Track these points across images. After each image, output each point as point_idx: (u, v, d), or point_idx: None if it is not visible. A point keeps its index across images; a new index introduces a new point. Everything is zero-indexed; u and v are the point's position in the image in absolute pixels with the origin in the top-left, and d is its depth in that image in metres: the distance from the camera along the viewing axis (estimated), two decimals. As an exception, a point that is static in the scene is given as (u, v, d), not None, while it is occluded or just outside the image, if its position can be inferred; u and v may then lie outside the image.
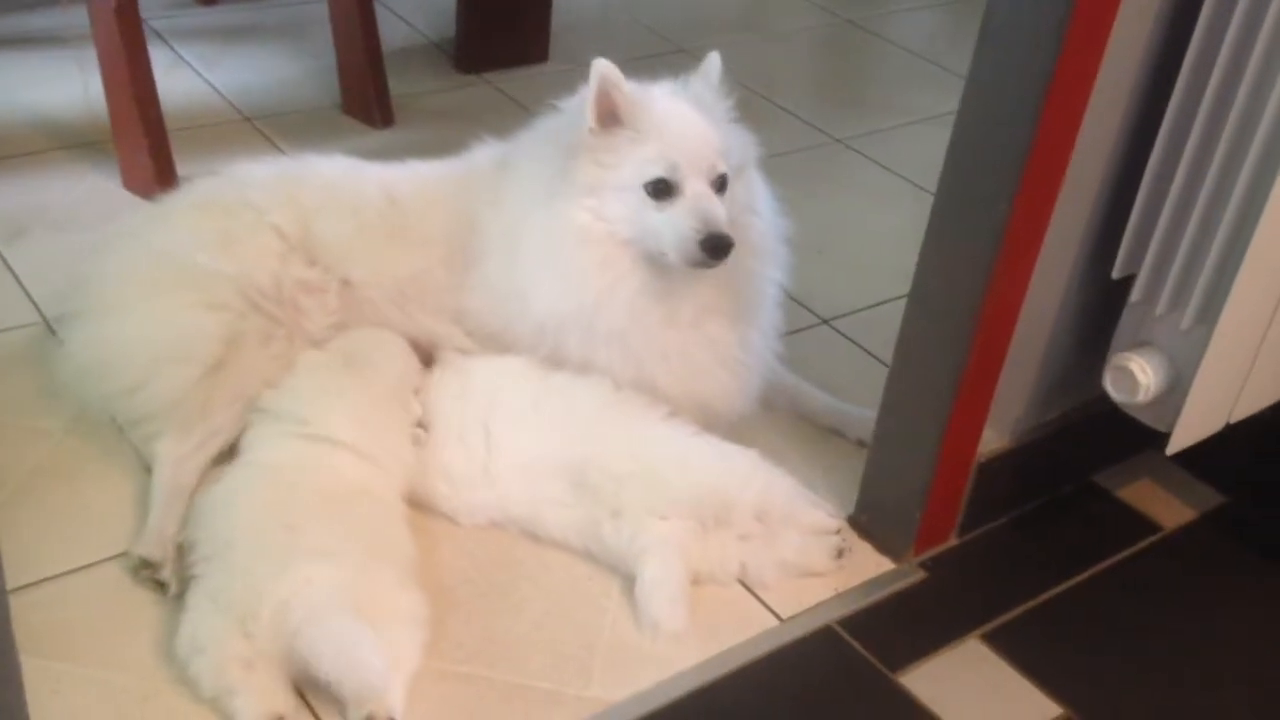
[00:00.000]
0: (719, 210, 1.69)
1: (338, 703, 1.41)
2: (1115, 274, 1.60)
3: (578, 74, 1.74)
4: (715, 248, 1.67)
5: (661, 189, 1.70)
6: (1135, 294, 1.59)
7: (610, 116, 1.70)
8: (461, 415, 1.72)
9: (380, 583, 1.46)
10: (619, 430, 1.70)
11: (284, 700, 1.38)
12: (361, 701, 1.36)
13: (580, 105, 1.74)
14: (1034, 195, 1.47)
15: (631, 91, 1.71)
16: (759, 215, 1.85)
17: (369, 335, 1.79)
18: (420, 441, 1.71)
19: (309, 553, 1.43)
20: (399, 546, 1.56)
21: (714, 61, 1.82)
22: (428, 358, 1.83)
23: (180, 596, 1.53)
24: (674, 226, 1.69)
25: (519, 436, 1.70)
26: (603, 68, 1.67)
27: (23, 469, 1.73)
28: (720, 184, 1.74)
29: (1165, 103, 1.49)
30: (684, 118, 1.73)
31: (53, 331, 1.98)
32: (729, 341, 1.83)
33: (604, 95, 1.68)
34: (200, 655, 1.39)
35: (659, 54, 3.19)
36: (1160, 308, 1.57)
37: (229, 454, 1.69)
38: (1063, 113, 1.43)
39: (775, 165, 1.96)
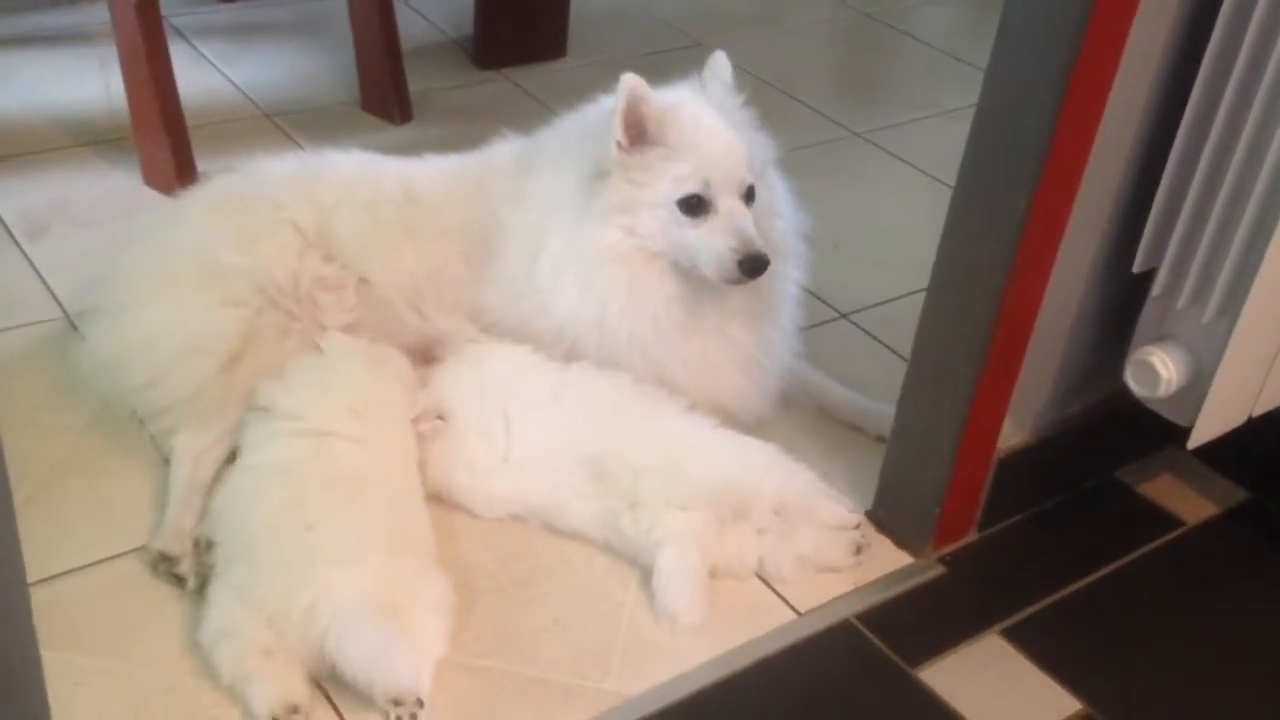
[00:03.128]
0: (753, 227, 1.69)
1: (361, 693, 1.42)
2: (1136, 268, 1.59)
3: (596, 69, 1.74)
4: (754, 267, 1.67)
5: (694, 205, 1.69)
6: (1157, 288, 1.58)
7: (639, 131, 1.69)
8: (481, 406, 1.73)
9: (404, 572, 1.48)
10: (638, 422, 1.70)
11: (299, 690, 1.39)
12: (391, 700, 1.38)
13: (603, 113, 1.73)
14: (1054, 189, 1.46)
15: (659, 104, 1.69)
16: (781, 216, 1.85)
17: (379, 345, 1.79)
18: (438, 432, 1.71)
19: (330, 557, 1.44)
20: (418, 532, 1.57)
21: (722, 61, 1.82)
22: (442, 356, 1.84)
23: (199, 590, 1.54)
24: (710, 245, 1.68)
25: (539, 427, 1.71)
26: (630, 82, 1.66)
27: (44, 463, 1.74)
28: (749, 195, 1.73)
29: (1187, 94, 1.48)
30: (713, 131, 1.72)
31: (74, 327, 1.99)
32: (749, 343, 1.83)
33: (632, 110, 1.67)
34: (225, 640, 1.41)
35: (676, 48, 3.18)
36: (1182, 301, 1.56)
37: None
38: (1083, 106, 1.42)
39: (793, 159, 1.95)
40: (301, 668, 1.40)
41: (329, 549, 1.45)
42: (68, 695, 1.41)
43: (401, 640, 1.39)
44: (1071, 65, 1.37)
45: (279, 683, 1.37)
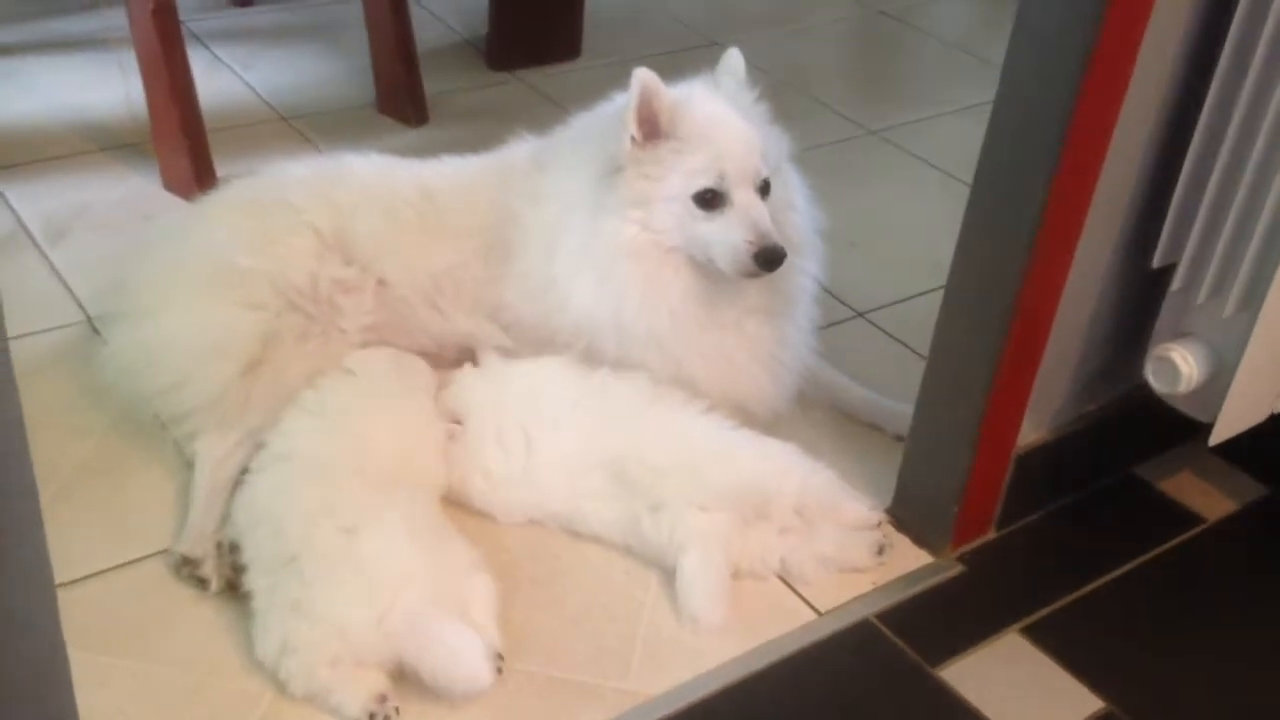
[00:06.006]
0: (769, 220, 1.69)
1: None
2: (1155, 263, 1.59)
3: (610, 70, 1.74)
4: (769, 260, 1.67)
5: (709, 199, 1.69)
6: (1176, 283, 1.58)
7: (652, 126, 1.69)
8: (499, 417, 1.73)
9: (445, 552, 1.51)
10: (658, 424, 1.70)
11: (378, 680, 1.41)
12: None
13: (617, 110, 1.74)
14: (1071, 185, 1.46)
15: (672, 99, 1.70)
16: (797, 211, 1.85)
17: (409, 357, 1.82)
18: (455, 436, 1.72)
19: (381, 562, 1.45)
20: (448, 528, 1.59)
21: (735, 57, 1.82)
22: (461, 360, 1.84)
23: (222, 592, 1.56)
24: (725, 238, 1.68)
25: (558, 433, 1.71)
26: (643, 76, 1.66)
27: (68, 467, 1.76)
28: (764, 189, 1.73)
29: (1205, 89, 1.47)
30: (727, 124, 1.72)
31: (96, 331, 2.00)
32: (767, 339, 1.83)
33: (645, 105, 1.67)
34: (290, 656, 1.42)
35: (690, 48, 3.18)
36: (1201, 297, 1.55)
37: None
38: (1100, 101, 1.41)
39: (809, 158, 1.95)
40: (371, 664, 1.42)
41: (376, 554, 1.46)
42: (92, 695, 1.41)
43: (472, 638, 1.43)
44: (1088, 59, 1.36)
45: (358, 684, 1.40)
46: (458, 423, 1.73)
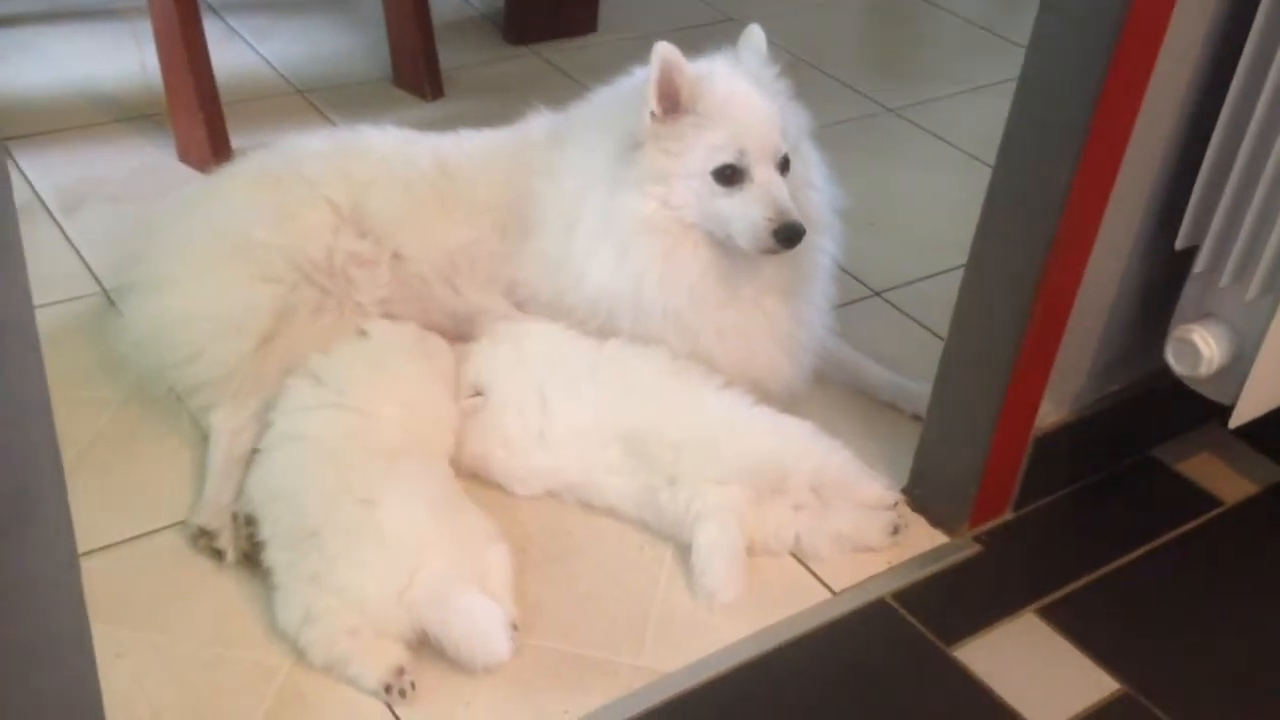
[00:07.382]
0: (788, 196, 1.68)
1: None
2: (1179, 245, 1.58)
3: (626, 45, 1.73)
4: (788, 237, 1.66)
5: (729, 175, 1.68)
6: (1199, 265, 1.56)
7: (672, 101, 1.68)
8: (517, 383, 1.73)
9: (463, 523, 1.52)
10: (676, 399, 1.69)
11: (397, 653, 1.42)
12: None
13: (637, 84, 1.72)
14: (1096, 164, 1.45)
15: (693, 73, 1.68)
16: (815, 189, 1.84)
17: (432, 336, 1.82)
18: (476, 408, 1.71)
19: (400, 534, 1.45)
20: (462, 499, 1.60)
21: (757, 33, 1.81)
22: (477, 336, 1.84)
23: (238, 563, 1.56)
24: (745, 214, 1.68)
25: (575, 404, 1.70)
26: (664, 50, 1.65)
27: (83, 438, 1.76)
28: (784, 165, 1.72)
29: (1232, 69, 1.45)
30: (748, 100, 1.71)
31: (111, 302, 2.00)
32: (784, 317, 1.82)
33: (666, 79, 1.66)
34: (310, 626, 1.43)
35: (707, 23, 3.17)
36: (1224, 279, 1.54)
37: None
38: (1126, 80, 1.40)
39: (827, 135, 1.94)
40: (391, 635, 1.43)
41: (396, 525, 1.46)
42: (109, 666, 1.42)
43: (492, 611, 1.44)
44: (1116, 38, 1.35)
45: (376, 655, 1.41)
46: (479, 394, 1.72)
